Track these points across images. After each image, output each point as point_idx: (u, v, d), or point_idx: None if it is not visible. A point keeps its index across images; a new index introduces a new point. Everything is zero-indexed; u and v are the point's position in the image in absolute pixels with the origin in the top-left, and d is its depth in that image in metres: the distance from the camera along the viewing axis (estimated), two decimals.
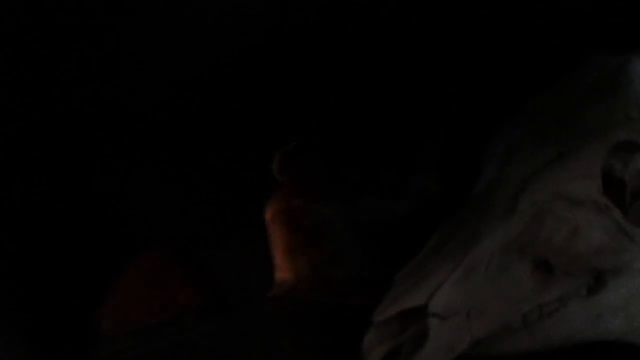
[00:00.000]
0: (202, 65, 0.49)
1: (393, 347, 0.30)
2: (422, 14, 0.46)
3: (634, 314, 0.34)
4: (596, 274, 0.33)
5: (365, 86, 0.49)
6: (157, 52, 0.47)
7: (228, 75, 0.50)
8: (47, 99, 0.46)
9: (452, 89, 0.45)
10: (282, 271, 0.45)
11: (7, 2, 0.40)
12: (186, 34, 0.47)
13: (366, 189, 0.42)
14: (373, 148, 0.44)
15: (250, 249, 0.47)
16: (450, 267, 0.30)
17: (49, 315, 0.40)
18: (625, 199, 0.33)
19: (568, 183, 0.31)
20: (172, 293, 0.43)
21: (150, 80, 0.48)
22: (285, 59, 0.50)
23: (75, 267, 0.45)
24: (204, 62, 0.49)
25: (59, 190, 0.47)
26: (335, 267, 0.43)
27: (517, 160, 0.34)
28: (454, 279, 0.30)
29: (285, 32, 0.48)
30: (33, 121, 0.46)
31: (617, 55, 0.36)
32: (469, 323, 0.31)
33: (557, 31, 0.45)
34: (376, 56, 0.49)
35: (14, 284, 0.39)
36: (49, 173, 0.47)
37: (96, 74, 0.46)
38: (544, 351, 0.34)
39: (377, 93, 0.48)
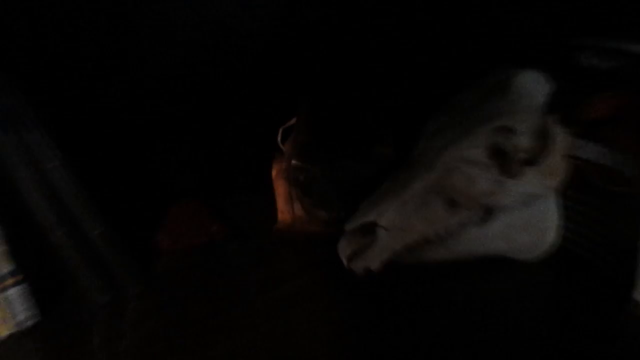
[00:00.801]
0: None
1: (356, 248, 0.49)
2: (385, 33, 0.65)
3: (511, 238, 0.54)
4: (485, 209, 0.52)
5: (344, 84, 0.68)
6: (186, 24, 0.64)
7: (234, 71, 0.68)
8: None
9: (403, 88, 0.64)
10: (283, 213, 0.64)
11: None
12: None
13: (343, 154, 0.60)
14: (348, 126, 0.63)
15: (260, 197, 0.65)
16: (393, 199, 0.49)
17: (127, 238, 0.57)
18: (511, 162, 0.52)
19: (467, 150, 0.50)
20: (205, 225, 0.62)
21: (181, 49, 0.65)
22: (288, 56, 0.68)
23: (139, 207, 0.63)
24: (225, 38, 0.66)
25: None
26: (321, 209, 0.62)
27: (438, 137, 0.52)
28: (394, 206, 0.49)
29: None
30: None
31: (512, 67, 0.55)
32: (403, 234, 0.50)
33: (479, 46, 0.64)
34: (352, 64, 0.68)
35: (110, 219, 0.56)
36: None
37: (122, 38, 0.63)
38: (452, 261, 0.53)
39: (353, 89, 0.67)
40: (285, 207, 0.63)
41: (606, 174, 0.50)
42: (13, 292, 0.46)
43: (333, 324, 0.46)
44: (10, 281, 0.46)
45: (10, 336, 0.47)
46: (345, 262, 0.51)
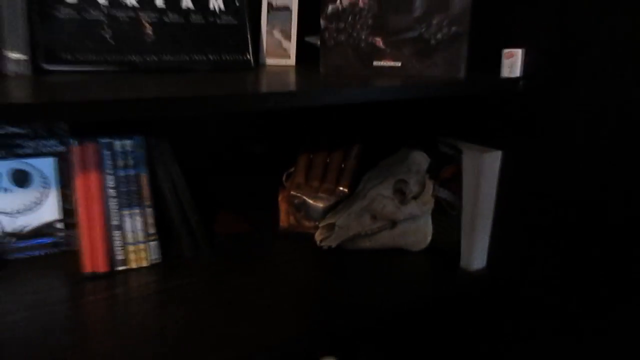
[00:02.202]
0: None
1: (323, 236, 0.98)
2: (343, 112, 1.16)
3: (406, 238, 1.02)
4: (391, 221, 1.00)
5: (327, 145, 1.18)
6: None
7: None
8: None
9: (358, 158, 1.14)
10: (283, 221, 1.11)
11: None
12: None
13: (318, 189, 1.09)
14: (324, 171, 1.12)
15: (273, 211, 1.13)
16: (344, 212, 0.98)
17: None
18: (406, 197, 1.01)
19: (383, 190, 0.99)
20: (240, 222, 1.09)
21: None
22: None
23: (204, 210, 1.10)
24: None
25: None
26: (305, 219, 1.10)
27: (369, 182, 1.02)
28: (345, 216, 0.97)
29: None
30: None
31: (408, 149, 1.05)
32: (347, 230, 0.98)
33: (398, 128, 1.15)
34: (332, 136, 1.18)
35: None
36: None
37: None
38: (375, 249, 1.01)
39: (330, 151, 1.17)
40: (285, 218, 1.12)
41: (450, 205, 0.99)
42: (152, 244, 0.93)
43: (305, 279, 0.94)
44: (152, 237, 0.93)
45: (147, 266, 0.93)
46: (318, 242, 0.99)
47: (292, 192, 1.10)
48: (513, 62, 0.86)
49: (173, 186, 0.93)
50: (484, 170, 0.91)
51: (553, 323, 0.92)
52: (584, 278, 0.86)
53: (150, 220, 0.92)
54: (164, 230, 0.95)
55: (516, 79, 0.87)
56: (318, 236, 0.99)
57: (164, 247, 0.95)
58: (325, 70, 0.90)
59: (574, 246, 0.87)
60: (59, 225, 0.97)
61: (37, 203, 0.96)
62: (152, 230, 0.92)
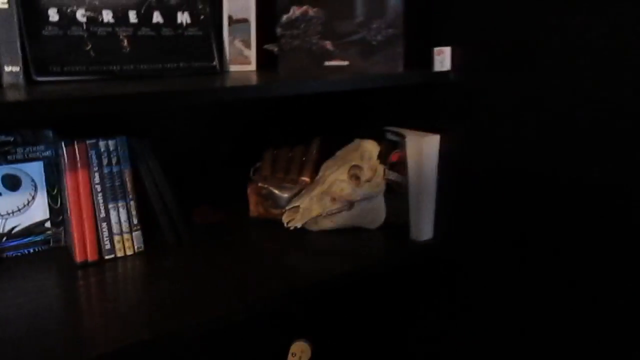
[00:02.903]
0: None
1: (290, 218, 1.10)
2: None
3: (362, 217, 1.16)
4: (349, 203, 1.14)
5: (290, 140, 1.31)
6: None
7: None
8: None
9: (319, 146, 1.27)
10: (252, 211, 1.23)
11: None
12: None
13: (283, 180, 1.22)
14: (288, 164, 1.25)
15: (243, 202, 1.25)
16: (307, 196, 1.11)
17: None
18: (360, 181, 1.14)
19: (340, 175, 1.12)
20: (212, 214, 1.21)
21: None
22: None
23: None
24: None
25: None
26: (273, 209, 1.22)
27: (328, 169, 1.15)
28: (307, 199, 1.10)
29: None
30: None
31: (361, 139, 1.19)
32: (310, 211, 1.11)
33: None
34: (296, 133, 1.31)
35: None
36: None
37: None
38: (332, 229, 1.14)
39: (293, 145, 1.30)
40: (255, 207, 1.24)
41: (399, 186, 1.13)
42: (136, 234, 1.04)
43: (275, 257, 1.06)
44: (136, 228, 1.03)
45: (132, 255, 1.04)
46: (285, 224, 1.12)
47: (259, 184, 1.22)
48: (443, 58, 1.00)
49: (154, 180, 1.04)
50: (425, 152, 1.05)
51: (489, 291, 1.07)
52: (518, 247, 1.01)
53: (134, 212, 1.03)
54: (147, 221, 1.06)
55: (446, 72, 1.02)
56: (285, 218, 1.12)
57: (147, 237, 1.06)
58: (284, 72, 1.03)
59: (506, 213, 1.02)
60: (47, 224, 1.07)
61: (27, 204, 1.05)
62: (135, 221, 1.03)
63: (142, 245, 1.05)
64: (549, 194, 0.93)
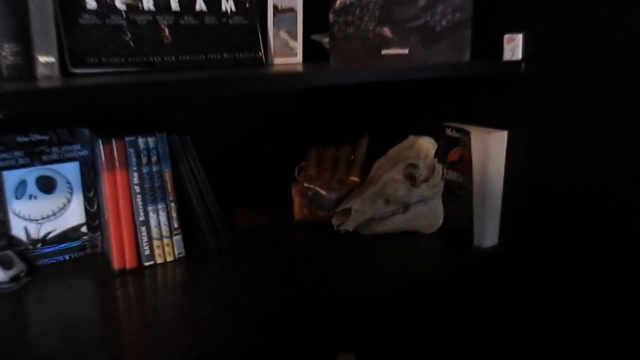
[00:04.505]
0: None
1: (340, 221, 1.02)
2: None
3: (418, 221, 1.06)
4: (404, 205, 1.05)
5: (334, 141, 1.22)
6: None
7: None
8: None
9: (365, 147, 1.18)
10: (297, 213, 1.15)
11: None
12: None
13: (330, 181, 1.13)
14: (333, 164, 1.16)
15: (287, 205, 1.17)
16: (359, 197, 1.02)
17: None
18: (417, 181, 1.05)
19: (394, 174, 1.03)
20: (253, 216, 1.13)
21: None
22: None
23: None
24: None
25: None
26: (319, 211, 1.14)
27: (381, 169, 1.06)
28: (359, 200, 1.01)
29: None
30: None
31: (418, 135, 1.09)
32: (363, 215, 1.02)
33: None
34: (338, 133, 1.22)
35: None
36: None
37: None
38: (384, 233, 1.05)
39: (338, 145, 1.21)
40: (299, 210, 1.15)
41: (459, 187, 1.04)
42: (177, 238, 0.96)
43: (324, 263, 0.98)
44: (176, 232, 0.96)
45: (172, 261, 0.96)
46: (335, 227, 1.03)
47: (305, 185, 1.14)
48: (514, 46, 0.91)
49: (195, 181, 0.97)
50: (491, 151, 0.95)
51: (563, 300, 0.96)
52: (592, 255, 0.91)
53: (174, 214, 0.95)
54: (187, 225, 0.98)
55: (518, 62, 0.92)
56: (335, 221, 1.03)
57: (187, 241, 0.99)
58: (336, 62, 0.94)
59: (582, 222, 0.91)
60: (84, 229, 1.01)
61: (62, 208, 0.99)
62: (176, 225, 0.96)
63: (183, 251, 0.98)
64: (629, 200, 0.83)
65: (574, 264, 0.93)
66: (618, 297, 0.88)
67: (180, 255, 0.97)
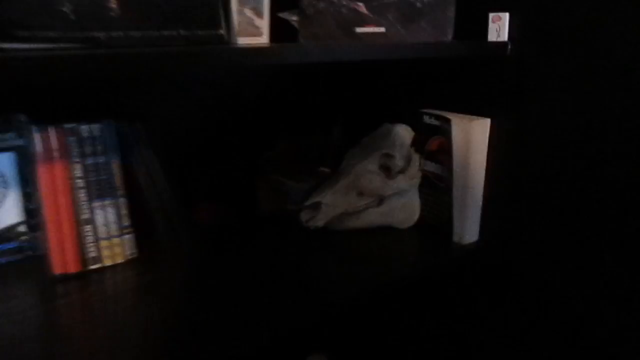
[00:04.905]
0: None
1: (309, 216, 0.93)
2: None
3: (394, 215, 0.98)
4: (378, 198, 0.97)
5: (303, 132, 1.12)
6: None
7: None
8: None
9: (335, 136, 1.09)
10: (263, 206, 1.06)
11: None
12: None
13: (299, 172, 1.04)
14: (303, 155, 1.07)
15: (253, 194, 1.08)
16: (329, 189, 0.93)
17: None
18: (392, 172, 0.97)
19: (368, 165, 0.95)
20: (215, 212, 1.03)
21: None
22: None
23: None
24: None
25: None
26: (287, 203, 1.04)
27: (353, 159, 0.97)
28: (330, 193, 0.93)
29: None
30: None
31: (394, 123, 1.01)
32: (334, 209, 0.94)
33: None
34: (308, 125, 1.13)
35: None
36: None
37: None
38: (360, 228, 0.97)
39: (308, 135, 1.12)
40: (265, 202, 1.06)
41: (439, 178, 0.96)
42: (127, 238, 0.86)
43: (292, 262, 0.89)
44: (127, 230, 0.86)
45: (123, 263, 0.86)
46: (304, 223, 0.94)
47: (271, 175, 1.05)
48: (500, 26, 0.83)
49: (148, 173, 0.87)
50: (473, 140, 0.88)
51: (546, 299, 0.90)
52: (578, 251, 0.85)
53: (124, 211, 0.85)
54: (140, 223, 0.88)
55: (503, 43, 0.84)
56: (304, 216, 0.95)
57: (140, 241, 0.88)
58: (305, 40, 0.85)
59: (568, 216, 0.85)
60: (22, 229, 0.89)
61: None
62: (126, 223, 0.85)
63: (135, 251, 0.87)
64: (618, 192, 0.77)
65: (558, 261, 0.87)
66: (602, 293, 0.82)
67: (132, 257, 0.87)
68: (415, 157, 0.97)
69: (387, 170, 0.96)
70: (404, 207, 0.99)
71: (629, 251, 0.79)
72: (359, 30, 0.81)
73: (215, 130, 1.12)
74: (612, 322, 0.82)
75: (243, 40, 1.01)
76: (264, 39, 1.02)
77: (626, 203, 0.78)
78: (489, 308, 1.00)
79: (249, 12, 1.01)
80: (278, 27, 1.04)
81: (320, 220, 0.93)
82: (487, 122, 0.89)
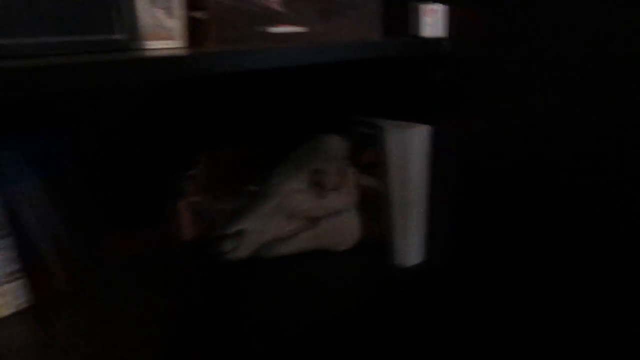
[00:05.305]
0: None
1: (232, 245, 0.81)
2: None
3: (328, 237, 0.88)
4: (311, 219, 0.86)
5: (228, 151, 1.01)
6: None
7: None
8: None
9: (261, 151, 0.98)
10: (186, 234, 0.94)
11: None
12: None
13: (223, 192, 0.93)
14: (228, 174, 0.96)
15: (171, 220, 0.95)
16: (253, 214, 0.82)
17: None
18: (325, 190, 0.87)
19: (297, 184, 0.84)
20: (130, 241, 0.91)
21: None
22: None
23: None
24: None
25: None
26: (211, 229, 0.93)
27: (279, 177, 0.86)
28: (254, 218, 0.82)
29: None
30: None
31: (324, 135, 0.91)
32: (261, 235, 0.82)
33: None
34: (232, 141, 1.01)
35: None
36: None
37: None
38: (293, 253, 0.86)
39: (232, 155, 1.00)
40: (188, 229, 0.94)
41: (376, 193, 0.86)
42: (17, 284, 0.73)
43: (214, 299, 0.78)
44: (16, 276, 0.73)
45: (11, 315, 0.73)
46: (225, 254, 0.83)
47: (194, 198, 0.93)
48: (435, 21, 0.74)
49: (36, 206, 0.74)
50: (410, 149, 0.78)
51: (501, 321, 0.82)
52: (526, 266, 0.76)
53: (11, 253, 0.72)
54: (33, 265, 0.75)
55: (439, 40, 0.75)
56: (226, 246, 0.83)
57: (35, 286, 0.75)
58: (213, 43, 0.74)
59: (515, 231, 0.76)
60: None
61: None
62: (13, 268, 0.72)
63: (29, 298, 0.74)
64: (571, 197, 0.69)
65: (512, 279, 0.78)
66: (560, 302, 0.74)
67: (23, 307, 0.74)
68: (350, 171, 0.87)
69: (318, 188, 0.86)
70: (340, 228, 0.88)
71: (580, 260, 0.70)
72: (273, 30, 0.70)
73: (130, 148, 0.99)
74: (570, 332, 0.74)
75: (153, 45, 0.89)
76: (177, 43, 0.90)
77: (581, 209, 0.69)
78: (435, 341, 0.90)
79: (158, 13, 0.89)
80: (195, 31, 0.93)
81: (244, 251, 0.82)
82: (426, 129, 0.79)
